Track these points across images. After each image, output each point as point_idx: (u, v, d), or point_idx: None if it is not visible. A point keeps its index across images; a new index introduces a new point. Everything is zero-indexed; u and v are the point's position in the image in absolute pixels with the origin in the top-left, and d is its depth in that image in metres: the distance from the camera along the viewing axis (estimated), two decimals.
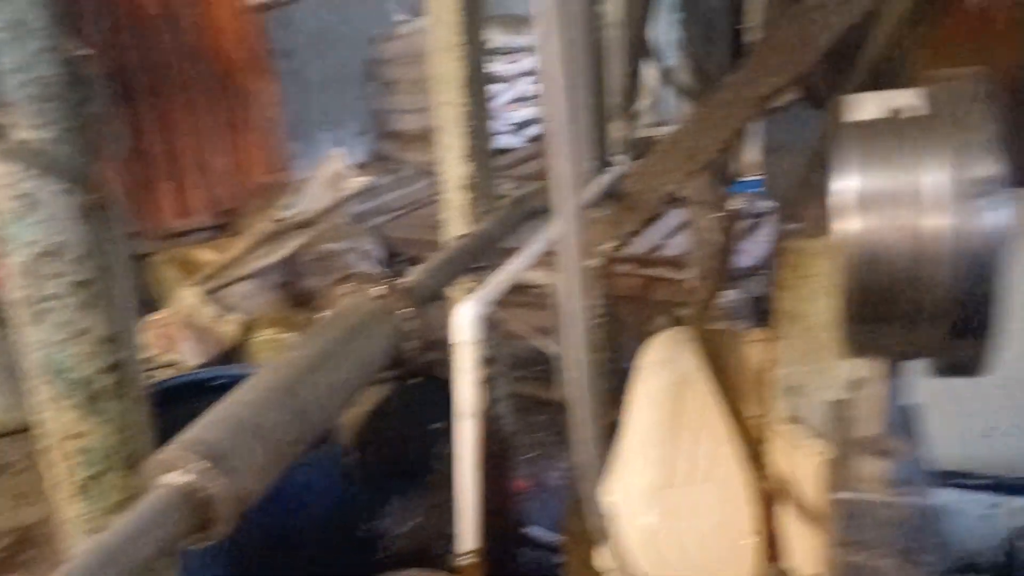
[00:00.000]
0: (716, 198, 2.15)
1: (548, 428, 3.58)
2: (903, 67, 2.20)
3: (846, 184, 0.65)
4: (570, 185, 2.23)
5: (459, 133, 2.57)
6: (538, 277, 2.97)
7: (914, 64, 2.19)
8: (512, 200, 2.83)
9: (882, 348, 0.68)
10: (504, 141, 7.14)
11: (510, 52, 7.22)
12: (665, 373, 1.40)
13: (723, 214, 2.01)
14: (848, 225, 0.64)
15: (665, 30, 4.51)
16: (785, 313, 1.43)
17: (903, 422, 0.73)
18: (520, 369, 3.52)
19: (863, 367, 1.03)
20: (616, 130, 2.25)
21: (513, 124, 7.41)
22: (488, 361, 2.90)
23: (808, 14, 1.91)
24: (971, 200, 0.61)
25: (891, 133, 0.68)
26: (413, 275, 2.14)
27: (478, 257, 2.34)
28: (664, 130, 2.94)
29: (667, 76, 3.40)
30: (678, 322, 4.63)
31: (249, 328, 3.88)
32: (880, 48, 1.80)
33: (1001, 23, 1.98)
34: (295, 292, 4.21)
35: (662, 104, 4.16)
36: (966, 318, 0.62)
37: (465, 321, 1.45)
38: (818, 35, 1.90)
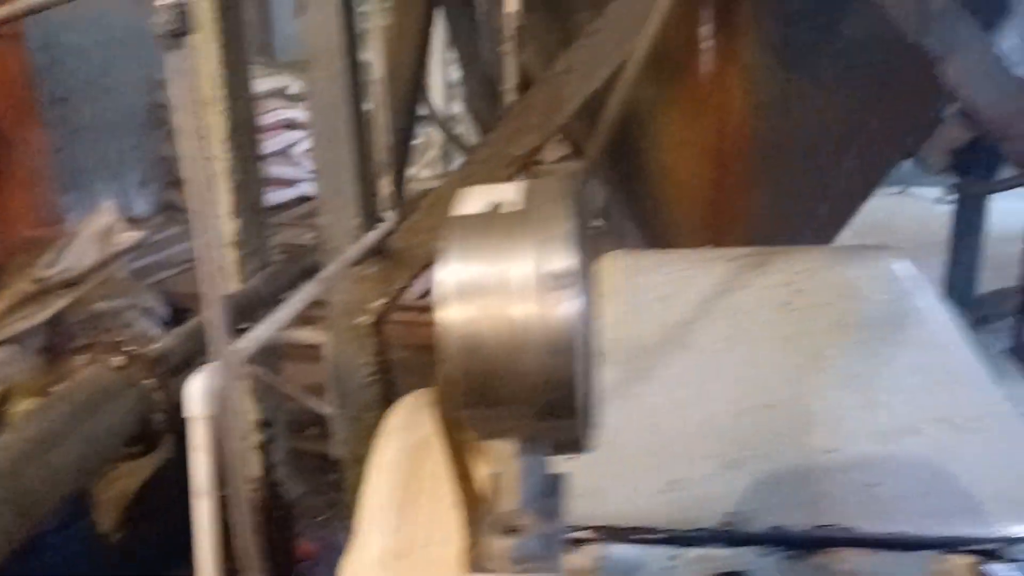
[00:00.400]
0: None
1: (338, 488, 3.47)
2: (648, 128, 2.34)
3: (445, 275, 0.67)
4: (337, 241, 2.19)
5: (224, 188, 2.46)
6: (309, 336, 2.89)
7: (657, 125, 2.34)
8: (286, 257, 2.75)
9: (493, 430, 0.71)
10: (306, 188, 6.98)
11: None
12: (404, 437, 1.38)
13: None
14: (446, 314, 0.66)
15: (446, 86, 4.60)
16: None
17: (549, 493, 0.75)
18: (312, 427, 3.41)
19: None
20: (385, 186, 2.24)
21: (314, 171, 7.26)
22: (264, 424, 2.78)
23: (558, 79, 1.98)
24: (550, 291, 0.66)
25: (488, 227, 0.71)
26: (162, 341, 2.02)
27: (244, 318, 2.24)
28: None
29: (446, 130, 3.45)
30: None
31: (5, 398, 3.53)
32: (622, 110, 1.89)
33: (729, 88, 2.15)
34: (60, 357, 3.88)
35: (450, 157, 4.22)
36: (554, 402, 0.66)
37: (196, 394, 1.36)
38: (567, 98, 1.98)
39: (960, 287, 3.58)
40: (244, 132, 2.50)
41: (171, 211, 7.37)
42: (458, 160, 4.21)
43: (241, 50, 2.41)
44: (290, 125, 6.62)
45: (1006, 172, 3.31)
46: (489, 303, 0.67)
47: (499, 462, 0.73)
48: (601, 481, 1.05)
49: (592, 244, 0.78)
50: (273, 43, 7.44)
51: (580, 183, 0.75)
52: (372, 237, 2.14)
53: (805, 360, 1.22)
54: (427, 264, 2.18)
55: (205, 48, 2.33)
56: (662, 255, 1.45)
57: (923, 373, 1.20)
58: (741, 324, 1.29)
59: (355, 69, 2.13)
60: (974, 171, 2.91)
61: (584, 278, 0.70)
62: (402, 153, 2.45)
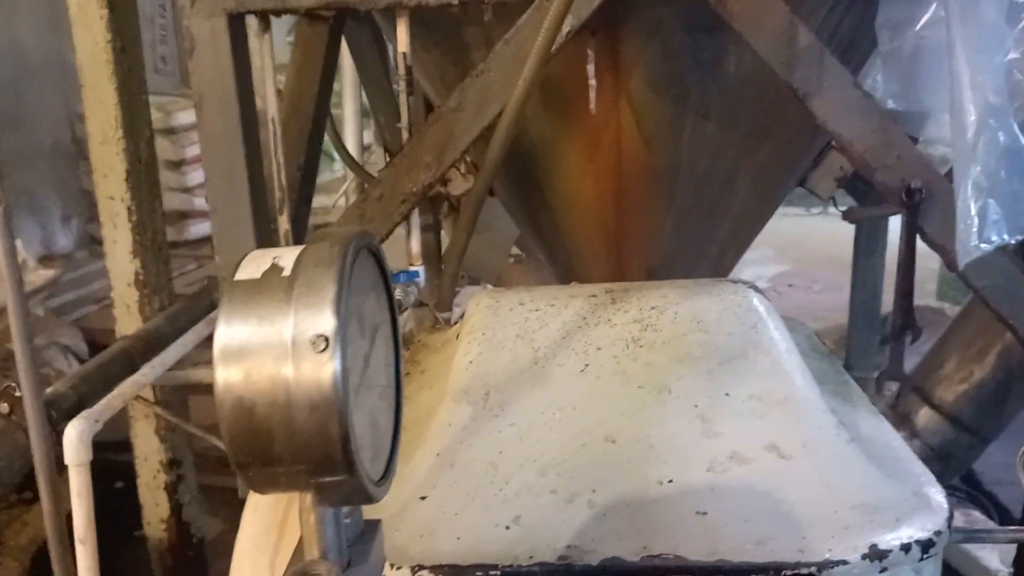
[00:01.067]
0: None
1: None
2: (548, 162, 2.40)
3: (218, 337, 0.71)
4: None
5: (125, 228, 2.46)
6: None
7: (557, 159, 2.40)
8: (189, 296, 2.75)
9: (272, 486, 0.74)
10: None
11: None
12: (264, 508, 1.39)
13: None
14: (218, 375, 0.70)
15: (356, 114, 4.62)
16: None
17: (360, 540, 0.78)
18: (223, 463, 3.37)
19: None
20: (283, 223, 2.25)
21: None
22: (173, 464, 2.76)
23: (449, 116, 2.03)
24: (311, 354, 0.70)
25: (259, 291, 0.74)
26: (54, 386, 2.00)
27: (144, 358, 2.23)
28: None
29: (352, 165, 3.48)
30: None
31: None
32: (506, 146, 1.94)
33: (620, 122, 2.22)
34: None
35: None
36: (326, 458, 0.70)
37: (74, 440, 1.36)
38: (459, 135, 2.03)
39: (864, 308, 3.71)
40: (144, 171, 2.50)
41: (94, 245, 7.25)
42: None
43: (138, 88, 2.42)
44: None
45: None
46: (257, 365, 0.71)
47: (300, 513, 0.76)
48: (442, 519, 1.08)
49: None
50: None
51: (352, 247, 0.79)
52: None
53: (649, 393, 1.27)
54: None
55: (100, 89, 2.33)
56: (525, 293, 1.49)
57: (758, 402, 1.25)
58: (591, 360, 1.33)
59: (248, 106, 2.15)
60: (866, 196, 3.03)
61: (344, 341, 0.73)
62: (304, 189, 2.47)
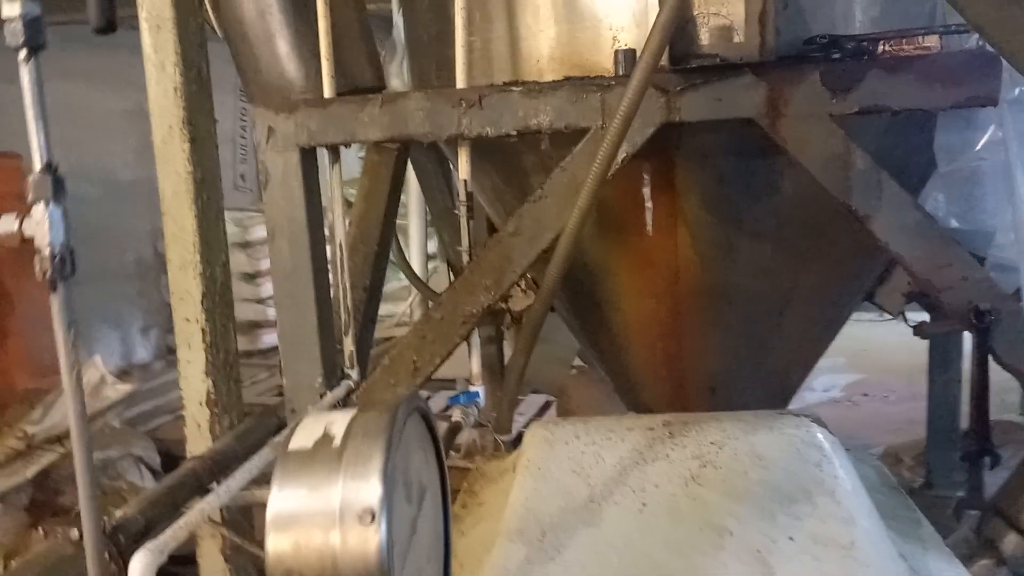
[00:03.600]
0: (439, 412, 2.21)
1: None
2: (605, 281, 2.42)
3: (271, 507, 0.73)
4: (301, 401, 2.24)
5: (199, 348, 2.55)
6: None
7: (612, 277, 2.42)
8: (258, 415, 2.80)
9: None
10: None
11: None
12: None
13: (446, 426, 2.07)
14: (270, 543, 0.72)
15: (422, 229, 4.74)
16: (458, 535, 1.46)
17: None
18: None
19: None
20: (348, 345, 2.31)
21: None
22: None
23: (507, 240, 2.08)
24: (358, 525, 0.72)
25: (310, 462, 0.76)
26: (123, 509, 2.04)
27: (213, 478, 2.27)
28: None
29: (418, 284, 3.56)
30: None
31: None
32: (565, 268, 1.97)
33: (675, 242, 2.24)
34: (50, 513, 3.88)
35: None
36: None
37: (138, 573, 1.38)
38: (516, 259, 2.07)
39: (942, 424, 3.58)
40: (219, 293, 2.61)
41: (172, 356, 7.47)
42: None
43: (216, 216, 2.54)
44: None
45: None
46: (306, 536, 0.72)
47: None
48: None
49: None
50: None
51: (400, 416, 0.81)
52: (333, 396, 2.19)
53: (707, 535, 1.24)
54: None
55: (180, 218, 2.46)
56: (581, 425, 1.48)
57: (823, 547, 1.21)
58: (648, 499, 1.31)
59: (318, 235, 2.24)
60: (937, 309, 2.97)
61: (391, 513, 0.74)
62: (370, 309, 2.53)
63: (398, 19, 2.98)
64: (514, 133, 2.03)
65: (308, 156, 2.18)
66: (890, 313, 2.81)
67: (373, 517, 0.72)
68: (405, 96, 2.09)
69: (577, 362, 3.97)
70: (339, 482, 0.74)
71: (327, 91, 2.18)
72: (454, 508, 1.62)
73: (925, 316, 2.86)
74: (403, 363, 2.19)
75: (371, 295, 2.57)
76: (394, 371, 2.19)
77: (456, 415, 2.12)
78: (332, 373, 2.26)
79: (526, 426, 1.68)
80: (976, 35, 1.82)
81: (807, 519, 1.24)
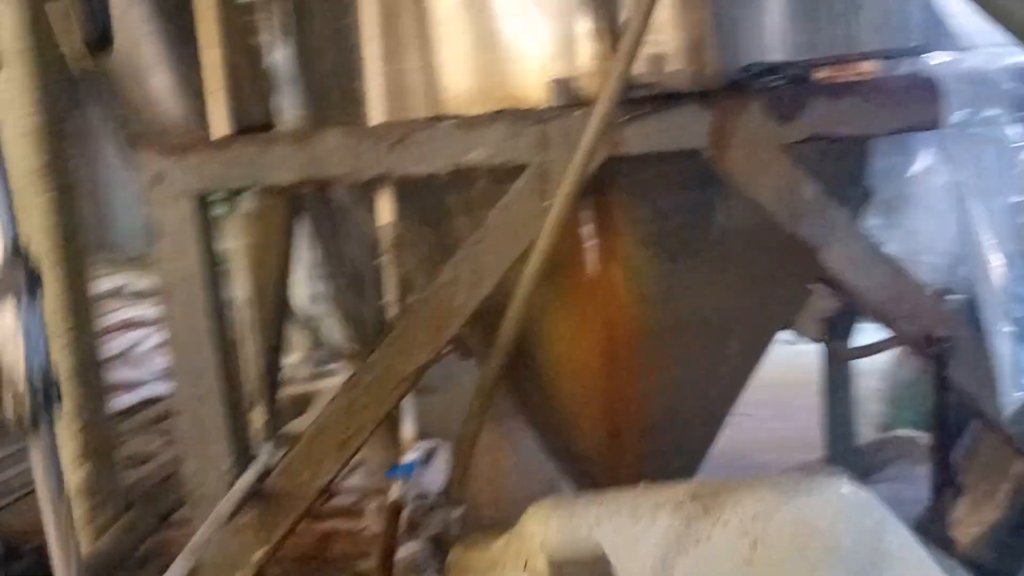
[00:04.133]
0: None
1: None
2: (536, 327, 2.26)
3: None
4: (207, 489, 1.94)
5: (69, 432, 2.19)
6: None
7: (545, 323, 2.26)
8: (140, 501, 2.45)
9: None
10: (151, 390, 6.51)
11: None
12: None
13: (385, 505, 1.83)
14: None
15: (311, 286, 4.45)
16: None
17: None
18: None
19: None
20: (259, 416, 2.04)
21: (162, 370, 6.82)
22: None
23: (444, 290, 1.89)
24: None
25: None
26: None
27: None
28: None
29: (316, 336, 3.28)
30: None
31: None
32: (521, 321, 1.81)
33: (614, 283, 2.12)
34: None
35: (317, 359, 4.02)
36: None
37: None
38: (457, 310, 1.88)
39: (840, 444, 3.63)
40: (91, 368, 2.26)
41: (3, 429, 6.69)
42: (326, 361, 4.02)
43: (83, 287, 2.21)
44: (131, 325, 6.19)
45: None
46: None
47: None
48: None
49: None
50: (112, 238, 7.11)
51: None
52: (247, 481, 1.91)
53: None
54: (313, 505, 1.96)
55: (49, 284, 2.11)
56: (596, 506, 1.32)
57: None
58: None
59: (217, 294, 1.97)
60: (840, 333, 3.01)
61: None
62: (274, 375, 2.26)
63: (283, 49, 2.73)
64: (447, 171, 1.85)
65: (203, 205, 1.91)
66: (811, 339, 2.80)
67: None
68: (321, 133, 1.87)
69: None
70: None
71: (220, 129, 1.93)
72: None
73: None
74: (328, 436, 1.93)
75: (273, 358, 2.30)
76: (318, 447, 1.94)
77: (395, 491, 1.89)
78: (242, 452, 1.98)
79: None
80: (912, 59, 1.81)
81: None
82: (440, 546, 1.74)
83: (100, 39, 1.18)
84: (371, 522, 3.38)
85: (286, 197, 2.37)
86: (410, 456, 1.99)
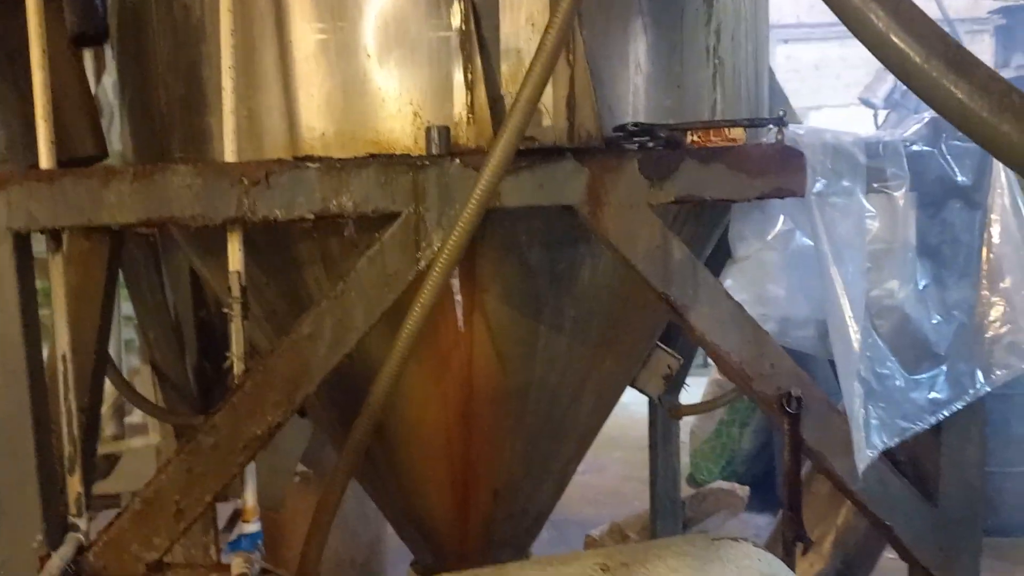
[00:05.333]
0: (212, 562, 1.77)
1: None
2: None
3: None
4: (15, 569, 1.67)
5: None
6: None
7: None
8: None
9: None
10: None
11: None
12: None
13: None
14: None
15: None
16: None
17: None
18: None
19: None
20: (75, 486, 1.77)
21: None
22: None
23: (300, 345, 1.74)
24: None
25: None
26: None
27: None
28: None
29: (128, 394, 2.97)
30: None
31: None
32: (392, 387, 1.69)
33: (474, 341, 2.05)
34: None
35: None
36: None
37: None
38: (315, 367, 1.74)
39: (667, 496, 3.72)
40: None
41: None
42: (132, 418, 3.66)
43: None
44: None
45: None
46: None
47: None
48: None
49: None
50: None
51: None
52: (61, 559, 1.65)
53: None
54: None
55: None
56: None
57: None
58: None
59: (36, 344, 1.72)
60: (674, 389, 3.09)
61: None
62: (92, 438, 2.00)
63: (106, 78, 2.48)
64: (310, 217, 1.71)
65: (23, 245, 1.67)
66: (650, 396, 2.85)
67: None
68: (167, 170, 1.69)
69: (301, 468, 3.56)
70: None
71: (45, 161, 1.70)
72: None
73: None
74: (162, 506, 1.71)
75: (91, 419, 2.03)
76: (149, 518, 1.71)
77: (239, 567, 1.69)
78: (55, 526, 1.72)
79: None
80: (774, 128, 1.88)
81: None
82: None
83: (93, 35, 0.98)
84: None
85: (111, 239, 2.14)
86: (253, 526, 1.80)
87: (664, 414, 3.64)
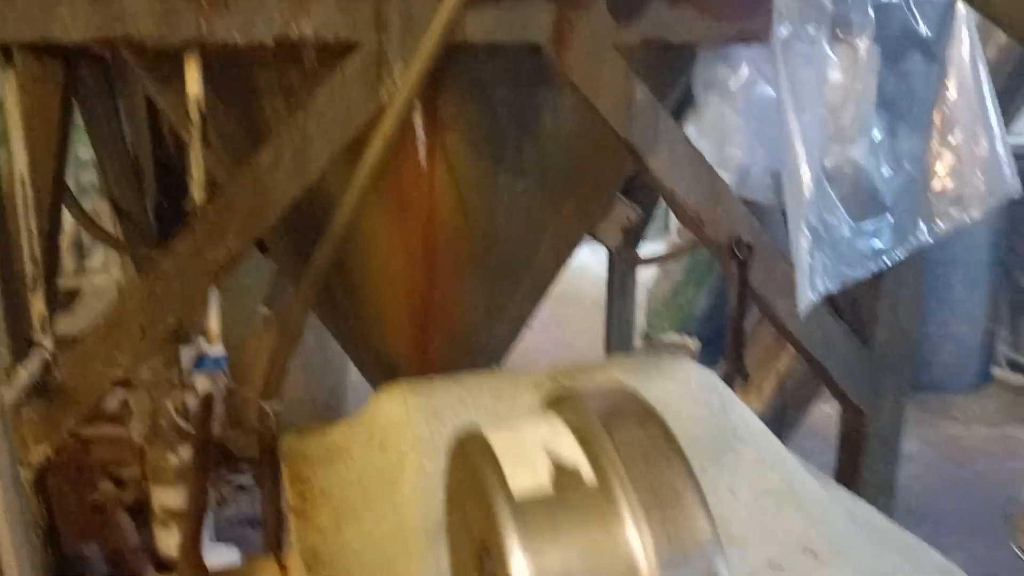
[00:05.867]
0: (178, 379, 1.83)
1: None
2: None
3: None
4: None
5: None
6: None
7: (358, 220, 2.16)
8: None
9: None
10: None
11: None
12: None
13: (195, 399, 1.70)
14: None
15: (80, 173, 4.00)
16: (306, 554, 1.18)
17: None
18: None
19: None
20: (38, 304, 1.80)
21: None
22: None
23: (261, 173, 1.74)
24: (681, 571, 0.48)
25: (570, 507, 0.52)
26: None
27: None
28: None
29: (88, 225, 2.96)
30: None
31: None
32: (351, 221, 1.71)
33: (435, 181, 2.06)
34: None
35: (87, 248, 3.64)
36: None
37: None
38: (276, 196, 1.75)
39: (620, 345, 3.86)
40: None
41: None
42: (96, 252, 3.65)
43: None
44: None
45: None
46: None
47: None
48: None
49: None
50: None
51: (660, 425, 0.59)
52: (26, 375, 1.69)
53: None
54: (102, 399, 1.79)
55: None
56: (456, 388, 1.28)
57: (766, 498, 1.17)
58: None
59: None
60: (632, 242, 3.15)
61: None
62: (52, 262, 2.01)
63: None
64: (270, 42, 1.68)
65: None
66: (608, 247, 2.91)
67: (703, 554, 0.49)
68: None
69: (264, 310, 3.61)
70: (633, 536, 0.49)
71: None
72: (290, 499, 1.32)
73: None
74: (126, 327, 1.75)
75: (50, 243, 2.03)
76: (114, 337, 1.75)
77: (203, 384, 1.75)
78: (20, 342, 1.76)
79: None
80: None
81: (736, 470, 1.19)
82: (264, 442, 1.64)
83: None
84: (135, 429, 3.17)
85: (65, 63, 2.08)
86: (217, 349, 1.86)
87: (621, 269, 3.73)
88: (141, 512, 3.38)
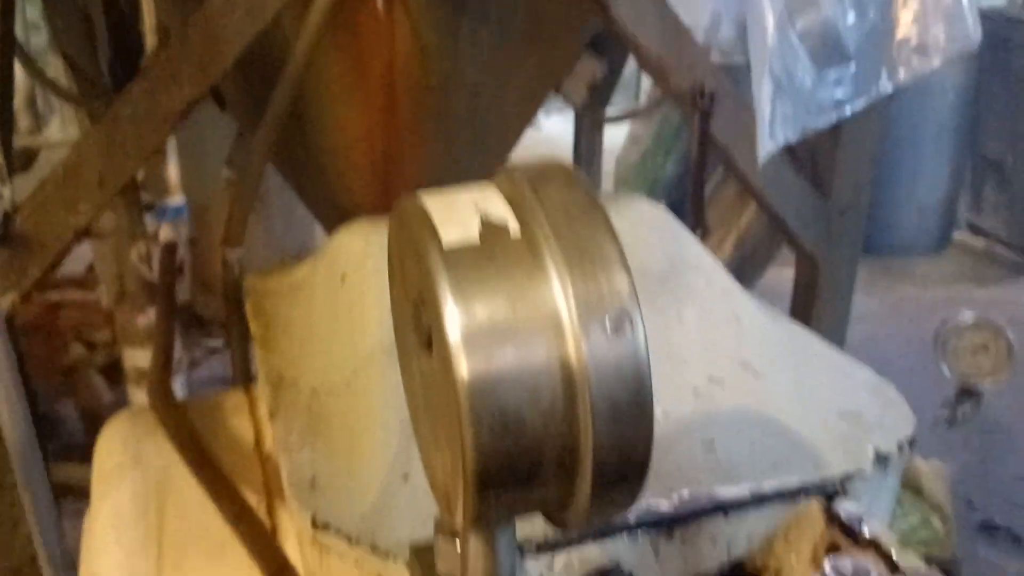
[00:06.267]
0: (139, 229, 1.83)
1: None
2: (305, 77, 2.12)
3: (458, 319, 0.49)
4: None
5: None
6: None
7: (317, 73, 2.13)
8: None
9: (506, 511, 0.55)
10: None
11: None
12: (137, 477, 1.11)
13: (159, 247, 1.71)
14: (471, 370, 0.48)
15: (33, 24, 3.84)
16: (271, 377, 1.22)
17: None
18: None
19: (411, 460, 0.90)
20: None
21: None
22: None
23: (214, 17, 1.70)
24: (609, 331, 0.52)
25: (495, 257, 0.54)
26: None
27: None
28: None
29: (41, 78, 2.87)
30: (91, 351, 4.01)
31: None
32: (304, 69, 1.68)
33: (396, 32, 2.02)
34: None
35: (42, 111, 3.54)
36: (624, 467, 0.52)
37: None
38: (228, 41, 1.71)
39: None
40: None
41: None
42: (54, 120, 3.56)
43: None
44: None
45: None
46: (523, 358, 0.50)
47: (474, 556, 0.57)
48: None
49: None
50: None
51: (582, 180, 0.61)
52: None
53: None
54: (67, 248, 1.79)
55: None
56: None
57: (712, 323, 1.21)
58: None
59: None
60: (600, 101, 3.13)
61: (641, 315, 0.55)
62: (6, 111, 1.97)
63: None
64: None
65: None
66: (574, 104, 2.89)
67: (631, 322, 0.52)
68: None
69: (226, 173, 3.56)
70: (554, 282, 0.52)
71: None
72: (254, 331, 1.35)
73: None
74: (83, 175, 1.74)
75: (4, 94, 1.99)
76: (73, 185, 1.74)
77: (166, 233, 1.76)
78: None
79: None
80: None
81: (686, 296, 1.23)
82: (228, 283, 1.67)
83: None
84: (103, 293, 3.19)
85: None
86: (178, 199, 1.86)
87: (588, 131, 3.71)
88: (114, 372, 3.43)
